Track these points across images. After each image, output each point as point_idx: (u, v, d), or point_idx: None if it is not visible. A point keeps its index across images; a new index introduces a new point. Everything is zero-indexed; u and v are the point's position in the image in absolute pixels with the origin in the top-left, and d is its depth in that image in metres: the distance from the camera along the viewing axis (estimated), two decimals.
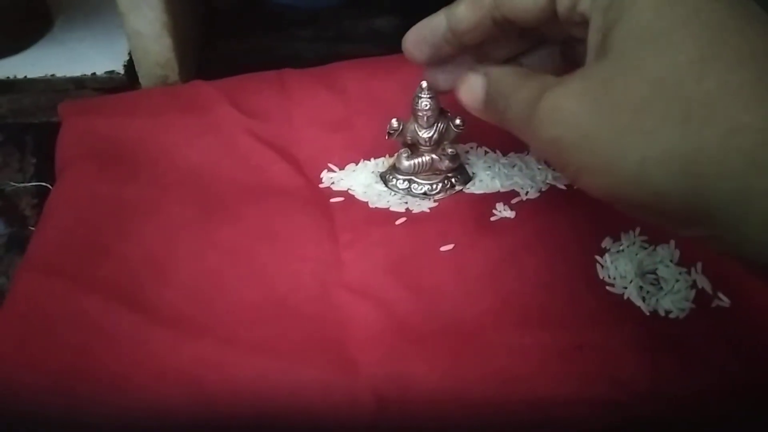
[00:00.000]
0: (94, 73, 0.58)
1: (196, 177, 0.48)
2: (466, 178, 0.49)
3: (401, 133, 0.47)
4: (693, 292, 0.41)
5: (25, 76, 0.58)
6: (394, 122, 0.46)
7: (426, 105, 0.45)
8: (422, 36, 0.40)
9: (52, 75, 0.58)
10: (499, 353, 0.38)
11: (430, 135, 0.47)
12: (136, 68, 0.55)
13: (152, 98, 0.53)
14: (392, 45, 0.48)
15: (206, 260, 0.43)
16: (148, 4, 0.52)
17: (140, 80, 0.56)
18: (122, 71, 0.58)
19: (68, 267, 0.41)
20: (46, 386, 0.37)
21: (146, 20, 0.52)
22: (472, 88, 0.36)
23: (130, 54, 0.57)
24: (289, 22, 0.68)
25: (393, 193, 0.49)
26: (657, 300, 0.41)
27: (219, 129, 0.50)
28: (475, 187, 0.49)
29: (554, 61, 0.41)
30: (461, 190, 0.49)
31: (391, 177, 0.49)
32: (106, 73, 0.58)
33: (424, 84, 0.45)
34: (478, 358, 0.38)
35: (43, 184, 0.50)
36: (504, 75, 0.35)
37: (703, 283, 0.42)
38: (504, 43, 0.40)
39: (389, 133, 0.47)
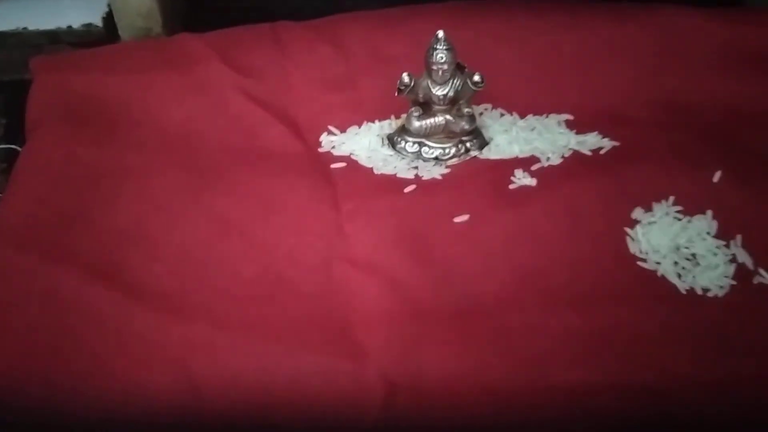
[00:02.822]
0: (70, 26, 0.53)
1: (183, 140, 0.44)
2: (482, 143, 0.45)
3: (413, 89, 0.43)
4: (732, 268, 0.38)
5: None
6: (405, 77, 0.42)
7: (442, 58, 0.41)
8: None
9: (24, 28, 0.53)
10: (520, 336, 0.35)
11: (444, 92, 0.42)
12: (116, 20, 0.51)
13: (133, 53, 0.48)
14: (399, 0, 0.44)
15: (195, 232, 0.39)
16: None
17: (120, 33, 0.52)
18: (100, 24, 0.53)
19: (40, 239, 0.38)
20: (18, 371, 0.33)
21: None
22: None
23: (109, 5, 0.53)
24: None
25: (401, 157, 0.44)
26: (694, 277, 0.38)
27: (208, 87, 0.46)
28: (491, 153, 0.45)
29: None
30: (476, 155, 0.45)
31: (399, 139, 0.45)
32: (83, 25, 0.53)
33: (441, 34, 0.41)
34: (498, 341, 0.35)
35: (13, 146, 0.47)
36: None
37: (744, 257, 0.38)
38: None
39: (399, 89, 0.43)
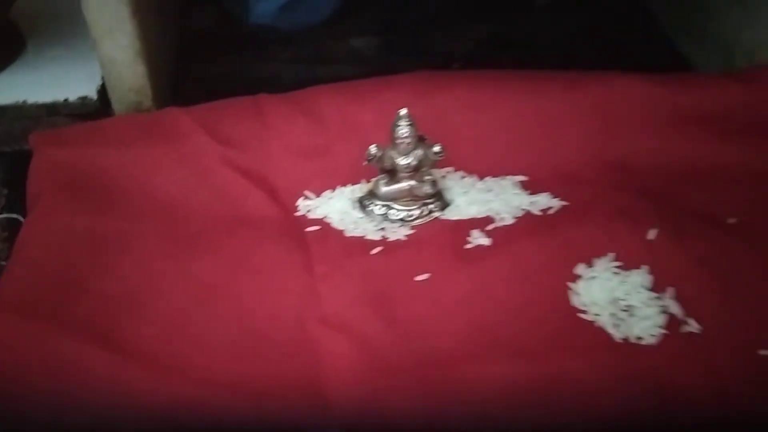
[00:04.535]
0: (66, 99, 0.57)
1: (171, 209, 0.47)
2: (444, 204, 0.49)
3: (380, 159, 0.47)
4: (663, 318, 0.42)
5: None
6: (373, 149, 0.47)
7: (405, 132, 0.46)
8: None
9: (24, 101, 0.57)
10: (473, 386, 0.38)
11: (408, 162, 0.47)
12: (110, 94, 0.55)
13: (125, 127, 0.52)
14: (371, 66, 0.47)
15: (183, 294, 0.43)
16: (122, 31, 0.51)
17: (113, 106, 0.55)
18: (95, 96, 0.57)
19: (42, 306, 0.41)
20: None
21: (120, 47, 0.52)
22: None
23: (103, 79, 0.56)
24: (267, 43, 0.68)
25: (369, 220, 0.49)
26: (629, 326, 0.42)
27: (194, 159, 0.50)
28: (452, 214, 0.49)
29: None
30: (438, 216, 0.49)
31: (368, 203, 0.49)
32: (79, 98, 0.57)
33: (403, 111, 0.46)
34: (453, 392, 0.38)
35: (15, 216, 0.49)
36: None
37: (674, 308, 0.42)
38: None
39: (368, 160, 0.47)
